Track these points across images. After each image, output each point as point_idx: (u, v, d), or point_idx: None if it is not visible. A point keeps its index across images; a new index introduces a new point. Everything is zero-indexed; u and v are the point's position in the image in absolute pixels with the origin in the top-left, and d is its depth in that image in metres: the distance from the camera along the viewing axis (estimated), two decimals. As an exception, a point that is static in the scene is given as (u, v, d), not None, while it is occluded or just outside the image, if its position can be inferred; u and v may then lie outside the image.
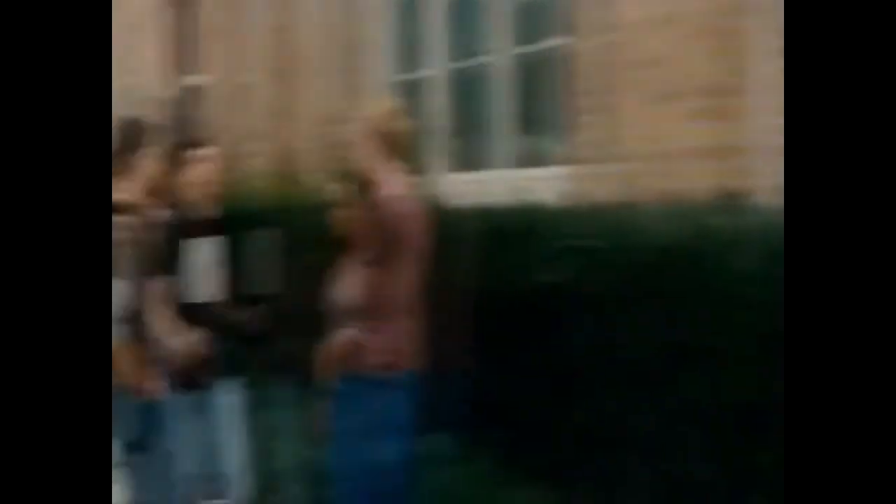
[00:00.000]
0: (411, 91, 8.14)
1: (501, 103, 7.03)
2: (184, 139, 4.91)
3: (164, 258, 4.47)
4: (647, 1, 5.47)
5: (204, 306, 4.60)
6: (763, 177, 4.57)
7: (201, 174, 4.67)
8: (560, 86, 6.34)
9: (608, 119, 5.66)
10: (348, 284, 4.06)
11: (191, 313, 4.50)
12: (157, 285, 4.24)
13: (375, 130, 4.15)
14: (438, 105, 7.77)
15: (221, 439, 4.73)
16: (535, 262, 5.07)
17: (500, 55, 7.04)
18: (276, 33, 9.70)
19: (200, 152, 4.74)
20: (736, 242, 4.03)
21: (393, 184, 4.11)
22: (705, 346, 4.05)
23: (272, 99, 9.71)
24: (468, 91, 7.52)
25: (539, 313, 5.02)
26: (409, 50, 8.26)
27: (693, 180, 4.95)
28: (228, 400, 4.80)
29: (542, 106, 6.76)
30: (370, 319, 3.98)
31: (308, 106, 9.14)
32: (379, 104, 4.45)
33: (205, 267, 4.65)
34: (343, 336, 4.02)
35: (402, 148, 4.21)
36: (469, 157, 7.61)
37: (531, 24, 6.87)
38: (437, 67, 7.80)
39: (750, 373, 3.85)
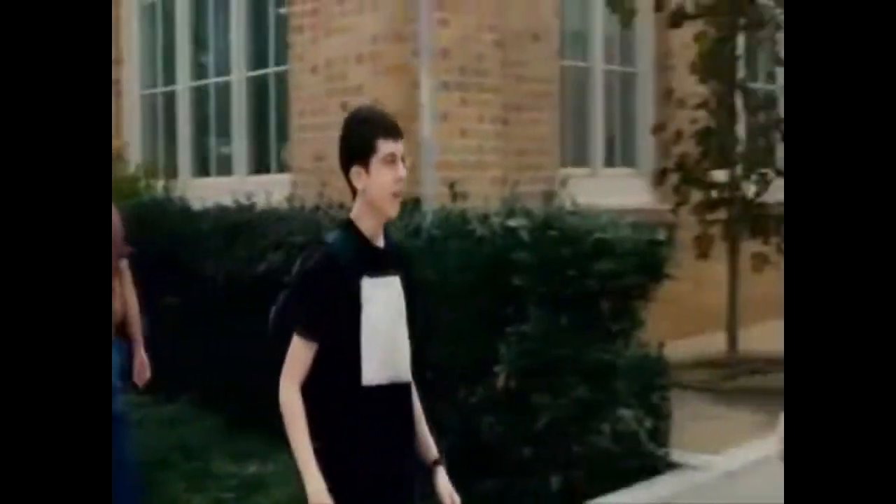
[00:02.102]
0: (161, 103, 9.10)
1: (237, 118, 8.13)
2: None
3: None
4: (348, 42, 6.70)
5: None
6: (428, 187, 5.86)
7: None
8: (283, 106, 7.51)
9: (318, 136, 6.85)
10: None
11: None
12: None
13: None
14: (183, 117, 8.79)
15: None
16: (254, 254, 6.20)
17: (235, 75, 8.14)
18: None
19: None
20: (403, 239, 5.27)
21: None
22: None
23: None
24: (210, 106, 8.59)
25: (254, 296, 6.16)
26: (160, 65, 9.22)
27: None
28: None
29: (269, 123, 7.92)
30: None
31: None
32: None
33: None
34: None
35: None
36: (211, 164, 8.68)
37: (261, 51, 8.03)
38: (183, 83, 8.81)
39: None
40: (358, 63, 6.50)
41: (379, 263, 3.08)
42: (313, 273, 3.11)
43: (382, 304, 3.05)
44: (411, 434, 3.21)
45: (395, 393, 3.11)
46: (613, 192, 7.84)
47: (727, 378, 7.31)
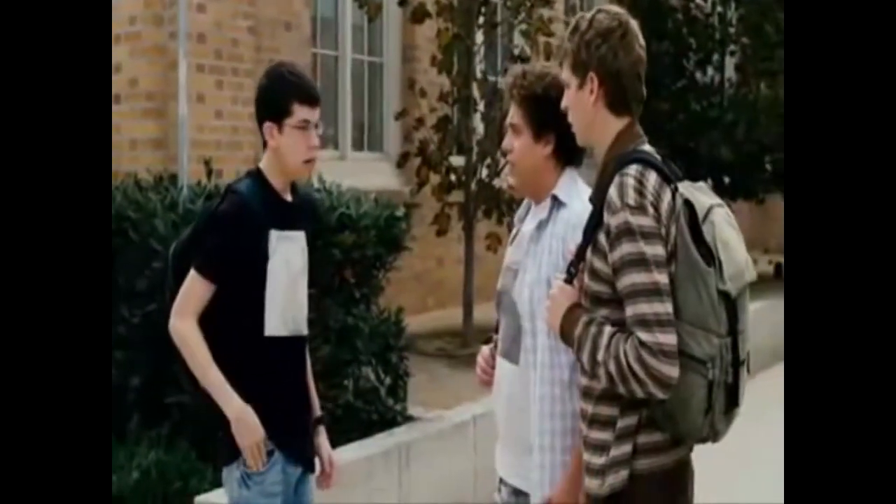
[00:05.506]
0: None
1: None
2: None
3: None
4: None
5: None
6: (185, 163, 6.18)
7: None
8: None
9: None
10: None
11: None
12: None
13: None
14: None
15: None
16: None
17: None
18: None
19: None
20: (159, 212, 5.57)
21: None
22: (134, 286, 5.55)
23: None
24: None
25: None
26: None
27: (138, 164, 6.47)
28: None
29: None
30: None
31: None
32: None
33: None
34: None
35: None
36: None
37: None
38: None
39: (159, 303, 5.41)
40: (116, 43, 6.72)
41: (287, 217, 3.12)
42: (224, 216, 3.09)
43: (287, 257, 3.10)
44: (307, 386, 3.29)
45: (294, 345, 3.17)
46: (361, 174, 8.37)
47: (462, 346, 7.99)
